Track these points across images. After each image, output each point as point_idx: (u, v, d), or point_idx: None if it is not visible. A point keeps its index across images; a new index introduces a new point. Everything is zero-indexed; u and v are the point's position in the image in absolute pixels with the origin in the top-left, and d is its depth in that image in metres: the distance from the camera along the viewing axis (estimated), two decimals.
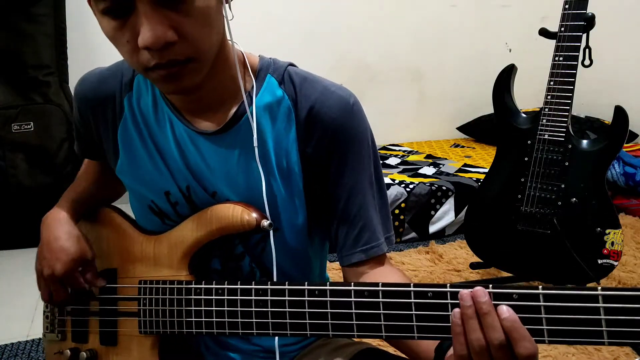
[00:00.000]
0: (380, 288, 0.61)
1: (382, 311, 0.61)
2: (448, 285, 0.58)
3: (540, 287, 0.54)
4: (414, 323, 0.59)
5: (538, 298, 0.54)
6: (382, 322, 0.61)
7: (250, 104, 0.74)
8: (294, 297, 0.65)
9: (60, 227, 0.80)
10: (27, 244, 2.27)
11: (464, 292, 0.56)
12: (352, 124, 0.75)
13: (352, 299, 0.62)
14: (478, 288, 0.55)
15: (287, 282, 0.66)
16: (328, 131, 0.74)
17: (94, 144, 0.85)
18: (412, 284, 0.60)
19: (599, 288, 0.52)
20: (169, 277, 0.77)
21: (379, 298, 0.61)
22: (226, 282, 0.70)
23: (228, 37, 0.73)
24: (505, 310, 0.54)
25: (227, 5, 0.67)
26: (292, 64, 0.79)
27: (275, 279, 0.76)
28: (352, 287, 0.62)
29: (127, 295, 0.80)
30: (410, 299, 0.59)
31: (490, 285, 0.56)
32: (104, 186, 0.91)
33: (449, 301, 0.58)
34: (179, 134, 0.76)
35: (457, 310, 0.56)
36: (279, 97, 0.75)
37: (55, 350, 0.87)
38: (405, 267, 2.08)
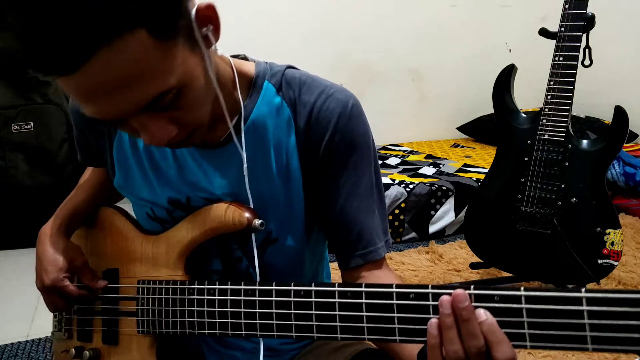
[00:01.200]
0: (363, 289, 0.60)
1: (364, 313, 0.60)
2: (430, 286, 0.56)
3: (522, 288, 0.52)
4: (396, 325, 0.58)
5: (520, 300, 0.52)
6: (365, 324, 0.60)
7: (243, 121, 0.73)
8: (280, 297, 0.65)
9: (47, 240, 0.82)
10: (27, 244, 2.27)
11: (445, 299, 0.53)
12: (350, 127, 0.74)
13: (336, 300, 0.61)
14: (459, 291, 0.52)
15: (274, 283, 0.66)
16: (327, 135, 0.74)
17: (94, 153, 0.86)
18: (394, 285, 0.58)
19: (583, 290, 0.49)
20: (166, 277, 0.77)
21: (361, 299, 0.60)
22: (217, 282, 0.71)
23: (220, 53, 0.71)
24: (482, 313, 0.51)
25: (205, 51, 0.62)
26: (290, 66, 0.78)
27: (258, 279, 0.76)
28: (336, 289, 0.62)
29: (127, 295, 0.81)
30: (393, 300, 0.58)
31: (472, 286, 0.54)
32: (106, 190, 0.91)
33: (430, 303, 0.56)
34: (179, 150, 0.76)
35: (434, 320, 0.53)
36: (278, 104, 0.74)
37: (63, 349, 0.89)
38: (405, 267, 2.08)
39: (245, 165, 0.73)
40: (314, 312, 0.63)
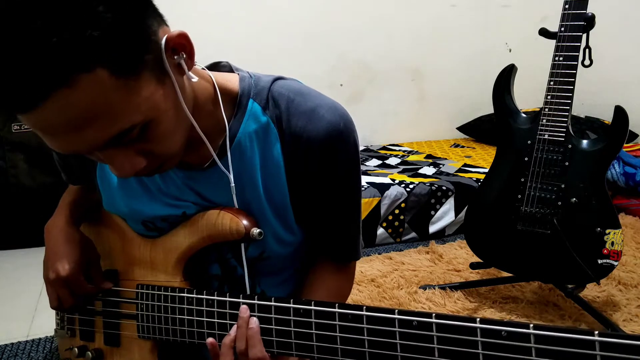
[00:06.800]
0: (364, 313, 0.59)
1: (366, 337, 0.59)
2: (433, 315, 0.55)
3: (531, 325, 0.50)
4: (399, 353, 0.57)
5: (529, 339, 0.50)
6: (367, 349, 0.59)
7: (229, 142, 0.72)
8: (279, 315, 0.65)
9: (60, 233, 0.81)
10: (27, 244, 2.27)
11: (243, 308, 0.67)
12: (339, 152, 0.73)
13: (337, 322, 0.61)
14: (243, 307, 0.66)
15: (273, 299, 0.65)
16: (315, 157, 0.72)
17: (77, 176, 0.86)
18: (396, 311, 0.57)
19: (596, 333, 0.47)
20: (164, 282, 0.77)
21: (363, 324, 0.59)
22: (215, 293, 0.70)
23: (200, 66, 0.70)
24: (252, 321, 0.66)
25: (176, 80, 0.61)
26: (277, 78, 0.75)
27: (249, 291, 0.76)
28: (336, 310, 0.61)
29: (127, 298, 0.80)
30: (395, 327, 0.57)
31: (478, 320, 0.53)
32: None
33: (434, 334, 0.55)
34: (166, 173, 0.75)
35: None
36: (264, 124, 0.72)
37: (67, 346, 0.89)
38: (405, 267, 2.08)
39: (232, 185, 0.72)
40: (314, 332, 0.62)
